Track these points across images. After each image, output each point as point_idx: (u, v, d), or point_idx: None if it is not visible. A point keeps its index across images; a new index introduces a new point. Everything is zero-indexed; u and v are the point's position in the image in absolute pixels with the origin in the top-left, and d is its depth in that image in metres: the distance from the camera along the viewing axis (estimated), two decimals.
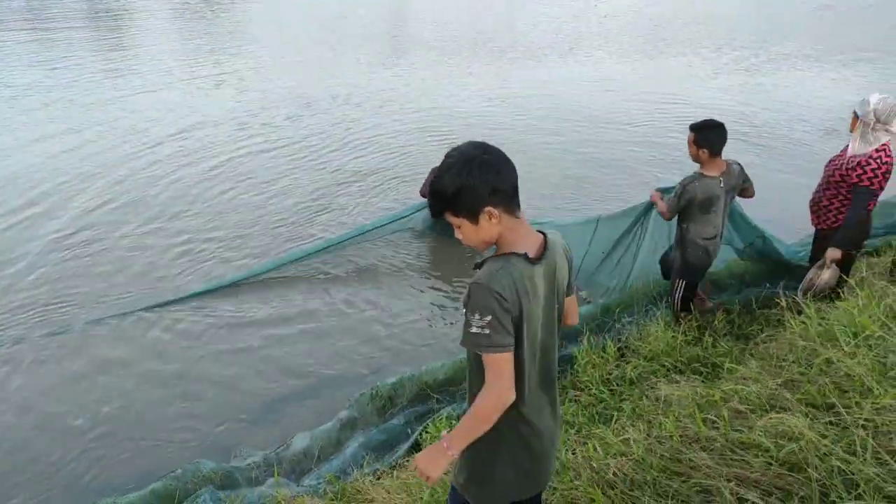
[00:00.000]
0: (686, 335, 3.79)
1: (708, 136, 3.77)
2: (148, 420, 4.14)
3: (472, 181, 1.62)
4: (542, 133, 9.90)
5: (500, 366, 1.61)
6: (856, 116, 3.77)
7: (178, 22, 22.82)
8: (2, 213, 7.00)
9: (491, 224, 1.66)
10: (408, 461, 3.36)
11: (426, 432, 3.55)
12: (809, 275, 4.03)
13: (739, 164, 3.98)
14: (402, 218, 6.29)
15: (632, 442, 2.60)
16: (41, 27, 19.80)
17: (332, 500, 2.83)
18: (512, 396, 1.63)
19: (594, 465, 2.47)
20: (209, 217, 6.98)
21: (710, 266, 4.14)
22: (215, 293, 5.46)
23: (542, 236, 1.74)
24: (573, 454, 2.67)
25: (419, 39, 19.86)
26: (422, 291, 5.63)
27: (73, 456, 3.86)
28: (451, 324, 5.09)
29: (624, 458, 2.49)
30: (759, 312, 4.20)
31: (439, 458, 1.68)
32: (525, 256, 1.65)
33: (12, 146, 9.10)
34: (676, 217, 4.06)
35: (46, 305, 5.32)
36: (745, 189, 4.05)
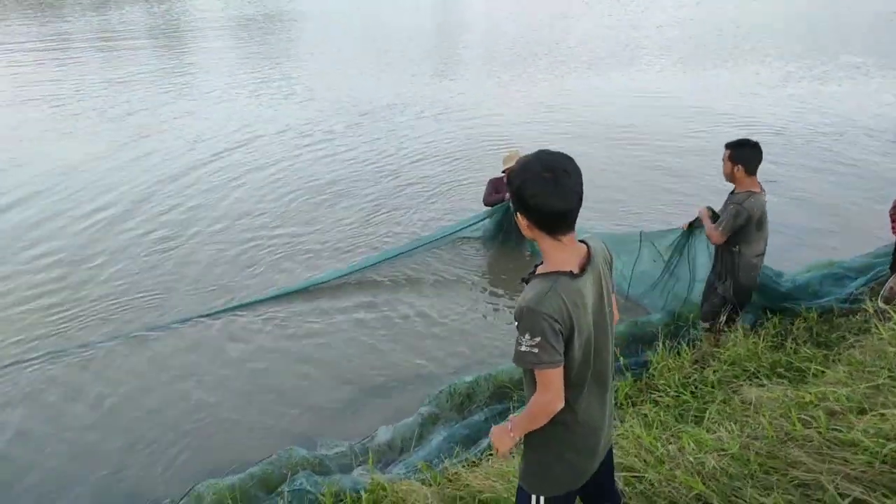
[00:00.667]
0: (767, 341, 3.81)
1: (744, 153, 3.72)
2: (239, 412, 4.39)
3: (524, 189, 1.72)
4: (603, 143, 9.98)
5: (549, 379, 1.77)
6: None
7: (235, 38, 23.67)
8: (83, 214, 7.51)
9: (530, 231, 1.80)
10: (493, 454, 3.47)
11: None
12: (890, 283, 4.00)
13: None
14: (469, 226, 6.43)
15: (725, 439, 2.67)
16: (112, 45, 20.88)
17: (430, 484, 2.96)
18: (559, 405, 1.80)
19: (691, 458, 2.55)
20: (285, 218, 7.34)
21: (756, 287, 4.08)
22: (291, 295, 5.72)
23: (585, 247, 1.84)
24: (665, 449, 2.74)
25: (477, 50, 20.13)
26: (489, 299, 5.76)
27: (171, 442, 4.13)
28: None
29: (719, 454, 2.56)
30: (838, 320, 4.19)
31: (504, 437, 1.94)
32: (570, 274, 1.75)
33: (97, 154, 9.67)
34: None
35: (139, 300, 5.68)
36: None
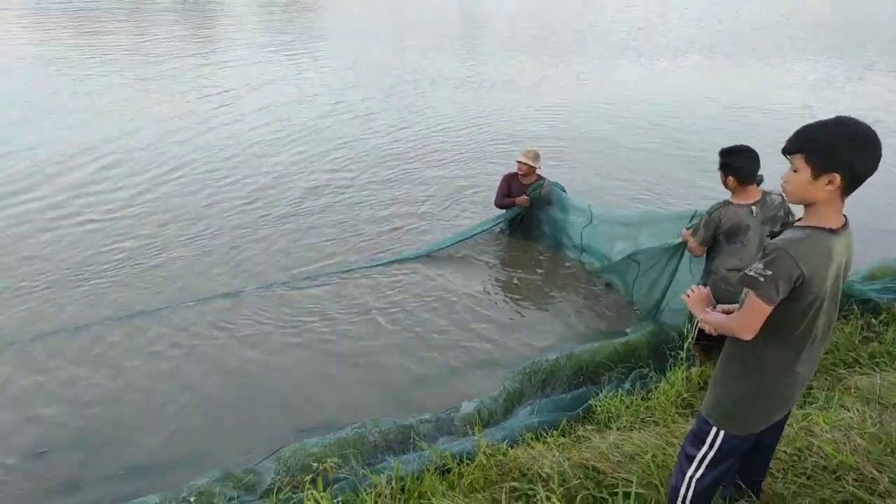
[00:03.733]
0: (862, 332, 3.81)
1: (734, 161, 3.47)
2: (326, 379, 4.42)
3: (847, 147, 1.76)
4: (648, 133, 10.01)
5: (754, 309, 1.87)
6: None
7: (264, 23, 23.60)
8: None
9: (823, 189, 1.80)
10: (582, 428, 3.44)
11: (596, 403, 3.66)
12: None
13: (782, 196, 3.56)
14: (481, 232, 6.29)
15: (852, 421, 2.66)
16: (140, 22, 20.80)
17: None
18: (746, 336, 1.91)
19: (829, 436, 2.54)
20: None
21: (732, 303, 3.80)
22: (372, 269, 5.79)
23: (845, 218, 1.90)
24: (791, 428, 2.73)
25: (524, 39, 20.10)
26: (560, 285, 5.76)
27: (265, 404, 4.16)
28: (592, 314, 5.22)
29: (856, 432, 2.55)
30: None
31: (699, 311, 2.20)
32: (829, 230, 1.83)
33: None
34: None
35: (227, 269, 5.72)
36: (790, 223, 3.70)
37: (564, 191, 6.07)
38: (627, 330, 4.83)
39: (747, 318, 1.89)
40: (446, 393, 4.29)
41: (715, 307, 2.19)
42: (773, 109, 11.86)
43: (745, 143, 3.53)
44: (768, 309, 1.84)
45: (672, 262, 4.53)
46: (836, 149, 1.77)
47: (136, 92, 11.73)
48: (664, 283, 4.64)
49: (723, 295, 3.56)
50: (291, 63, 15.11)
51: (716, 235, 3.61)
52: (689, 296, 2.25)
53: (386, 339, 4.83)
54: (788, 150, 1.85)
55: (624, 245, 5.28)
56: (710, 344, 3.79)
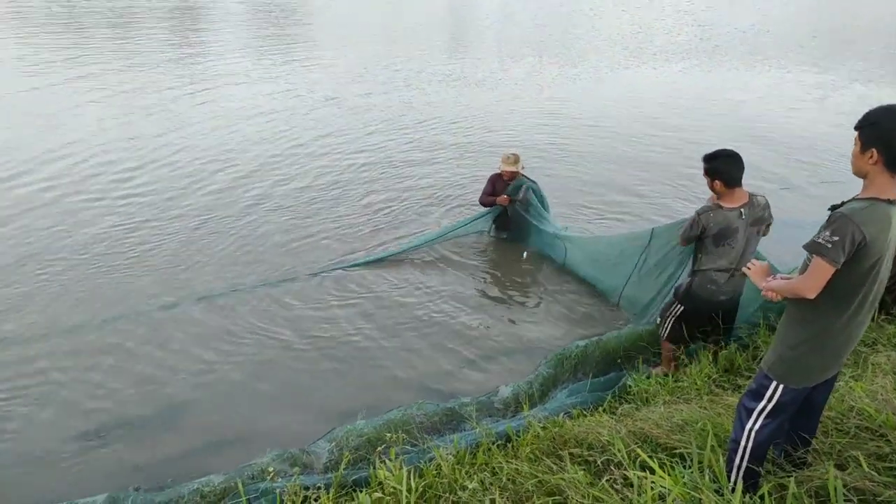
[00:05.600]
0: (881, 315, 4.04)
1: (719, 166, 3.53)
2: (371, 362, 4.64)
3: (885, 126, 2.03)
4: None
5: (819, 271, 2.10)
6: None
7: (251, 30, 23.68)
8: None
9: (867, 162, 2.08)
10: (621, 408, 3.63)
11: (631, 383, 3.85)
12: None
13: (765, 198, 3.71)
14: (462, 227, 6.49)
15: (888, 388, 2.88)
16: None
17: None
18: (810, 295, 2.14)
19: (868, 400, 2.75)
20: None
21: (716, 303, 3.83)
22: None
23: None
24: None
25: (551, 41, 20.44)
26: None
27: (315, 387, 4.38)
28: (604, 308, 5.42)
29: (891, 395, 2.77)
30: None
31: (759, 281, 2.41)
32: (888, 201, 2.06)
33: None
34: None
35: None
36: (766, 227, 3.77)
37: (542, 194, 6.19)
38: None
39: (813, 279, 2.11)
40: (479, 381, 4.48)
41: (775, 277, 2.40)
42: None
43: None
44: (832, 270, 2.07)
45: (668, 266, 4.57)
46: (877, 126, 2.03)
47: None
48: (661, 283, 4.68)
49: (708, 294, 3.80)
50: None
51: (701, 237, 3.69)
52: (749, 268, 2.48)
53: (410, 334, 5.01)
54: (855, 127, 2.10)
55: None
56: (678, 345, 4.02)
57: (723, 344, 3.98)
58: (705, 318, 3.93)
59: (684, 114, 12.40)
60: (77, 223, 6.51)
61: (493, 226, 6.57)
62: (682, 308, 3.95)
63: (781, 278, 2.37)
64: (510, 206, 6.24)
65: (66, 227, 6.42)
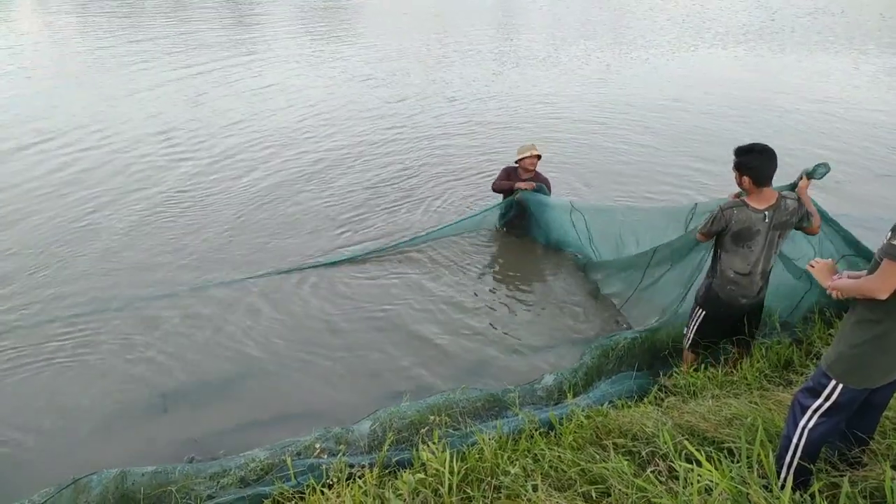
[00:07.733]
0: None
1: (750, 161, 3.27)
2: (411, 349, 4.73)
3: None
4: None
5: (889, 273, 2.09)
6: None
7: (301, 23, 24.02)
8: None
9: None
10: (667, 400, 3.57)
11: (671, 378, 3.79)
12: None
13: (797, 200, 3.46)
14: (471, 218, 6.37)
15: None
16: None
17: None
18: (881, 296, 2.12)
19: None
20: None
21: (738, 307, 3.64)
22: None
23: None
24: None
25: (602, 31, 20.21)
26: None
27: (356, 373, 4.47)
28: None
29: None
30: None
31: (825, 279, 2.38)
32: None
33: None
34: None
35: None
36: (804, 228, 3.58)
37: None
38: None
39: (885, 281, 2.09)
40: (522, 371, 4.53)
41: (840, 275, 2.33)
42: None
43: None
44: None
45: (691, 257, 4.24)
46: None
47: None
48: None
49: (728, 296, 3.59)
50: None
51: (722, 233, 3.49)
52: (812, 266, 2.42)
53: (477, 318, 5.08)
54: None
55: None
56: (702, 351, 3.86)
57: (744, 351, 3.82)
58: (728, 325, 3.75)
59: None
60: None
61: (507, 221, 6.36)
62: (704, 313, 3.75)
63: (848, 276, 2.30)
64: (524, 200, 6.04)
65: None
